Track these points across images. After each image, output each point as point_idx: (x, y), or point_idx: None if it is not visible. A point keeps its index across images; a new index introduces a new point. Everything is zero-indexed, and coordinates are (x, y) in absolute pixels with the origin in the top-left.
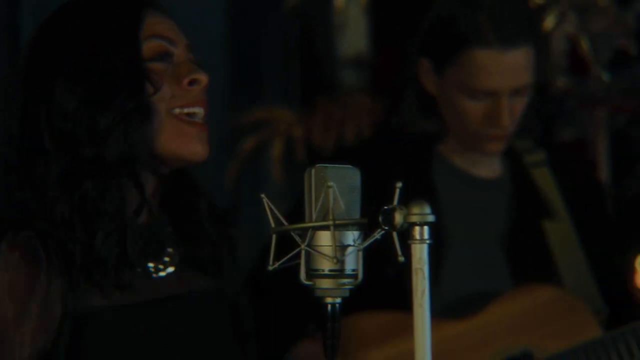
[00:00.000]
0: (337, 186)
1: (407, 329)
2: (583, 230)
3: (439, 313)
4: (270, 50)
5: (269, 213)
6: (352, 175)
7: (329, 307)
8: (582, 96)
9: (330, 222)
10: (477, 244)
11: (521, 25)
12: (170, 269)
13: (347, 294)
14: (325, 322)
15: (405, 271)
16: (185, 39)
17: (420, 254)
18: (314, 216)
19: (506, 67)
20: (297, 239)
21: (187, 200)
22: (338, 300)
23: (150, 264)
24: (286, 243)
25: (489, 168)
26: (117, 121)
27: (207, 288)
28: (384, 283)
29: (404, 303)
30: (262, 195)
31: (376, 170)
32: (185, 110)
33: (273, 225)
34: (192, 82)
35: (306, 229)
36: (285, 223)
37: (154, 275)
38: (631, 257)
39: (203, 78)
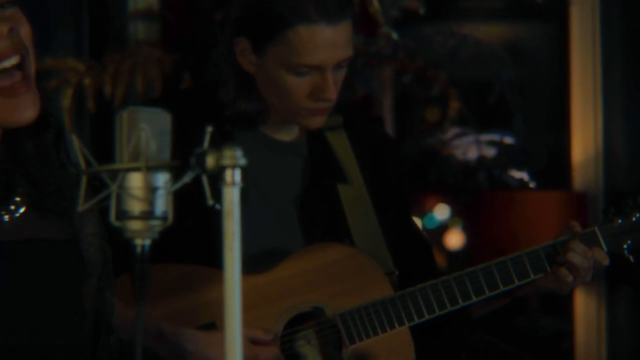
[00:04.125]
0: (149, 129)
1: (199, 283)
2: (376, 193)
3: None
4: (61, 1)
5: (79, 154)
6: (163, 119)
7: (138, 248)
8: (370, 54)
9: (142, 164)
10: (271, 204)
11: (341, 1)
12: (17, 214)
13: (156, 235)
14: (134, 264)
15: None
16: None
17: (232, 196)
18: (125, 158)
19: (331, 42)
20: (108, 180)
21: (39, 146)
22: (147, 242)
23: None
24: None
25: (288, 132)
26: None
27: (55, 238)
28: (188, 232)
29: (208, 254)
30: (74, 137)
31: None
32: None
33: (83, 166)
34: None
35: (118, 171)
36: (96, 165)
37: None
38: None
39: None
